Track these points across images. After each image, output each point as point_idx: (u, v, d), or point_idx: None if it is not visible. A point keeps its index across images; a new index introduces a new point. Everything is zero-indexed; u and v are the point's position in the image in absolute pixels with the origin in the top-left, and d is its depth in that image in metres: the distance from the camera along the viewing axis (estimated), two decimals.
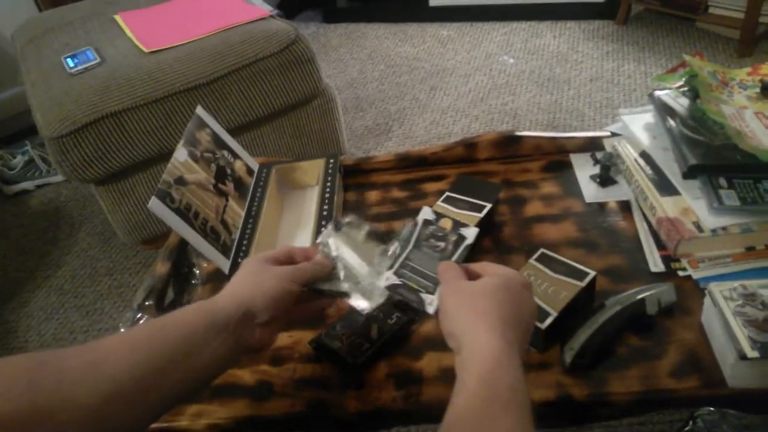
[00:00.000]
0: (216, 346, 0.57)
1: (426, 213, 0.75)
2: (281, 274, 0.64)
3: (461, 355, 0.52)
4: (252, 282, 0.63)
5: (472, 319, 0.54)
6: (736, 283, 0.68)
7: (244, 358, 0.77)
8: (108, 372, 0.50)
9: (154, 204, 0.77)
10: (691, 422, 1.02)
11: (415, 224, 0.75)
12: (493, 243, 0.88)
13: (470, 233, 0.71)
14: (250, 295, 0.61)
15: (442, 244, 0.71)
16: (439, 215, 0.75)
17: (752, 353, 0.61)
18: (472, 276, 0.61)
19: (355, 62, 2.65)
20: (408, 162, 1.05)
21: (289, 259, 0.69)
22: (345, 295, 0.69)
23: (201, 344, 0.56)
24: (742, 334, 0.63)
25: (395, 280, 0.69)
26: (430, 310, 0.65)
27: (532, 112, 2.14)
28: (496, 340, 0.51)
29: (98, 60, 1.60)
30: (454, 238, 0.72)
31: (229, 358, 0.59)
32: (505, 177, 0.99)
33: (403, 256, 0.72)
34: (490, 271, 0.60)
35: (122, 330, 0.81)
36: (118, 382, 0.50)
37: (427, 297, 0.66)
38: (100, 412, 0.48)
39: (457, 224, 0.73)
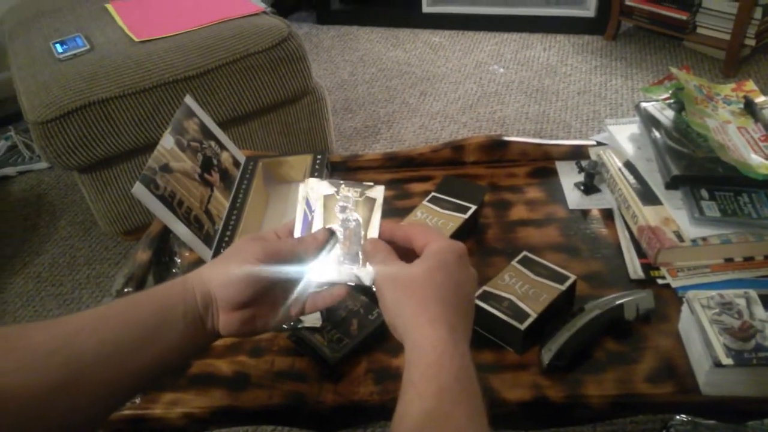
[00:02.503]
0: (183, 326, 0.54)
1: (324, 187, 0.64)
2: (248, 252, 0.56)
3: (406, 349, 0.50)
4: (221, 261, 0.57)
5: (412, 310, 0.51)
6: (713, 292, 0.69)
7: (221, 348, 0.77)
8: (77, 348, 0.48)
9: (138, 189, 0.77)
10: (664, 431, 1.03)
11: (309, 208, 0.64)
12: (476, 245, 0.88)
13: (377, 192, 0.63)
14: (212, 275, 0.56)
15: (351, 215, 0.62)
16: (337, 184, 0.64)
17: (727, 360, 0.62)
18: (402, 244, 0.57)
19: (347, 64, 2.65)
20: (395, 162, 1.05)
21: (294, 251, 0.59)
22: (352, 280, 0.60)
23: (170, 323, 0.53)
24: (717, 341, 0.64)
25: (321, 269, 0.60)
26: (368, 281, 0.59)
27: (520, 121, 2.16)
28: (439, 330, 0.49)
29: (87, 47, 1.59)
30: (361, 202, 0.63)
31: (197, 340, 0.56)
32: (491, 181, 1.00)
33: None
34: (421, 242, 0.55)
35: None
36: (87, 359, 0.48)
37: (360, 271, 0.60)
38: (67, 389, 0.46)
39: (360, 187, 0.64)
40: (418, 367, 0.48)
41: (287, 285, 0.60)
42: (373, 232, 0.61)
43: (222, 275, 0.56)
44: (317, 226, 0.61)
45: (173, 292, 0.55)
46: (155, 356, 0.52)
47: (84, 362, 0.48)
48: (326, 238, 0.60)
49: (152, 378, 0.54)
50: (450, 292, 0.52)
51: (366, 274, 0.59)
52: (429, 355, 0.48)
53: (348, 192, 0.63)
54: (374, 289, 0.56)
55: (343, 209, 0.62)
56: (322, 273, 0.60)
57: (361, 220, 0.61)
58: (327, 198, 0.63)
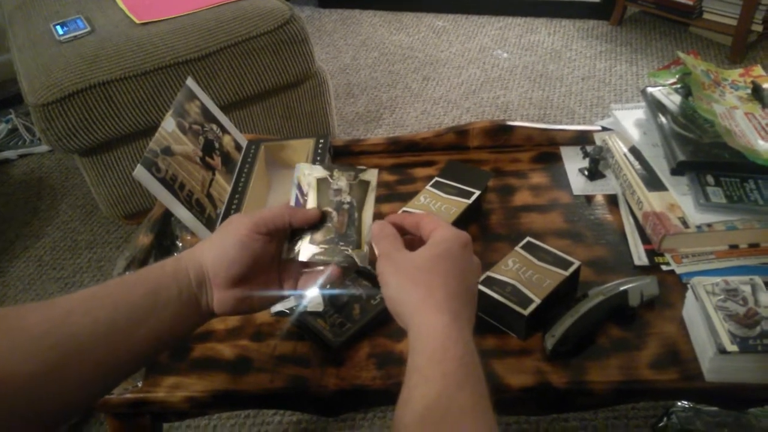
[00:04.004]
0: (178, 306, 0.54)
1: (317, 171, 0.63)
2: (237, 224, 0.57)
3: (410, 335, 0.50)
4: (214, 238, 0.57)
5: (417, 297, 0.51)
6: (718, 279, 0.68)
7: (223, 332, 0.77)
8: (69, 329, 0.48)
9: (140, 172, 0.76)
10: (665, 417, 1.03)
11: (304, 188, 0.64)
12: (479, 230, 0.88)
13: (371, 175, 0.63)
14: (204, 252, 0.56)
15: (345, 197, 0.62)
16: (331, 168, 0.64)
17: (731, 347, 0.62)
18: (408, 232, 0.58)
19: (349, 48, 2.63)
20: (398, 146, 1.05)
21: (281, 214, 0.59)
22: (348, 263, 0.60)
23: (163, 303, 0.53)
24: (722, 328, 0.63)
25: (315, 250, 0.60)
26: (361, 262, 0.60)
27: (524, 106, 2.15)
28: (443, 316, 0.49)
29: (88, 29, 1.58)
30: (355, 185, 0.63)
31: (191, 319, 0.56)
32: (494, 166, 0.99)
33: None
34: (427, 231, 0.56)
35: None
36: (81, 340, 0.48)
37: (354, 253, 0.60)
38: (60, 370, 0.46)
39: (354, 170, 0.63)
40: (423, 353, 0.48)
41: (280, 261, 0.60)
42: (368, 214, 0.61)
43: (214, 251, 0.56)
44: (310, 207, 0.62)
45: (166, 272, 0.55)
46: (148, 336, 0.52)
47: (76, 343, 0.48)
48: (317, 215, 0.60)
49: (146, 358, 0.54)
50: (454, 279, 0.52)
51: (359, 255, 0.60)
52: (433, 341, 0.48)
53: (341, 175, 0.63)
54: (377, 274, 0.56)
55: (337, 192, 0.62)
56: (316, 254, 0.60)
57: (354, 202, 0.61)
58: (320, 181, 0.63)
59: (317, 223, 0.61)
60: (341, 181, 0.63)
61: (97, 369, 0.49)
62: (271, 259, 0.60)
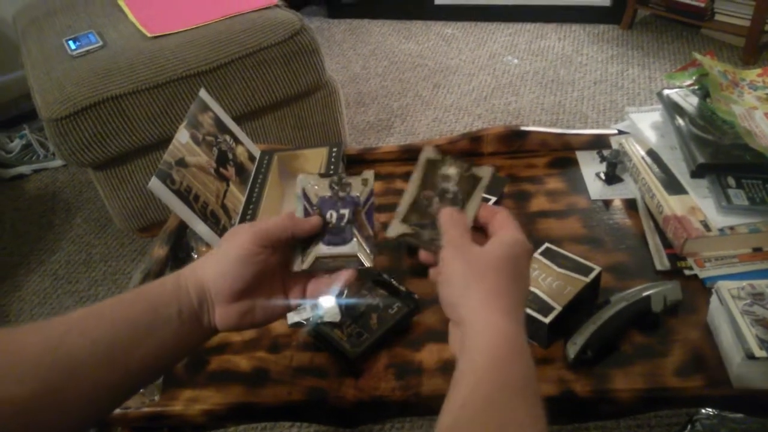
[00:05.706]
0: (178, 324, 0.52)
1: (429, 152, 0.61)
2: (238, 238, 0.55)
3: (468, 333, 0.48)
4: (216, 253, 0.56)
5: (483, 296, 0.49)
6: (744, 283, 0.67)
7: (239, 344, 0.76)
8: (66, 351, 0.47)
9: (155, 184, 0.76)
10: (689, 425, 1.01)
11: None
12: None
13: (485, 172, 0.59)
14: (205, 269, 0.54)
15: (452, 187, 0.59)
16: (445, 153, 0.61)
17: (760, 352, 0.60)
18: (478, 226, 0.56)
19: (359, 58, 2.63)
20: (411, 154, 1.04)
21: (284, 226, 0.57)
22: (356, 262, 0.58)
23: (163, 321, 0.52)
24: (749, 333, 0.62)
25: (405, 229, 0.58)
26: (368, 262, 0.59)
27: (536, 112, 2.14)
28: (511, 324, 0.48)
29: (100, 43, 1.59)
30: (465, 177, 0.59)
31: (193, 338, 0.54)
32: (510, 172, 0.98)
33: (409, 200, 0.60)
34: (498, 227, 0.54)
35: None
36: (78, 361, 0.47)
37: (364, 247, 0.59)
38: (59, 392, 0.45)
39: (467, 163, 0.60)
40: (485, 354, 0.46)
41: (284, 272, 0.58)
42: (471, 212, 0.57)
43: (215, 267, 0.54)
44: (412, 186, 0.59)
45: (166, 290, 0.53)
46: (148, 355, 0.51)
47: (74, 364, 0.47)
48: (319, 224, 0.59)
49: (146, 377, 0.53)
50: (519, 285, 0.51)
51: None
52: (499, 348, 0.47)
53: (453, 163, 0.60)
54: (440, 260, 0.54)
55: (445, 179, 0.59)
56: (406, 234, 0.58)
57: (460, 195, 0.58)
58: (429, 162, 0.60)
59: (321, 231, 0.59)
60: (452, 169, 0.60)
61: (94, 391, 0.48)
62: (274, 270, 0.58)
